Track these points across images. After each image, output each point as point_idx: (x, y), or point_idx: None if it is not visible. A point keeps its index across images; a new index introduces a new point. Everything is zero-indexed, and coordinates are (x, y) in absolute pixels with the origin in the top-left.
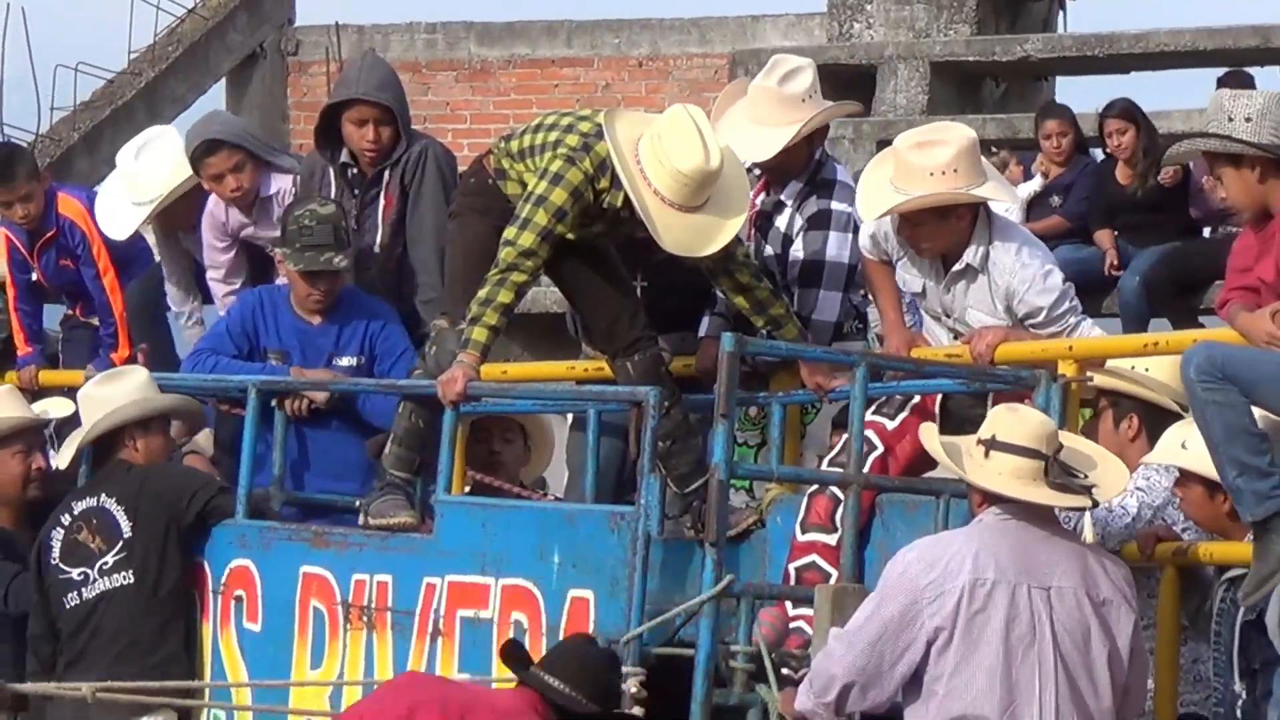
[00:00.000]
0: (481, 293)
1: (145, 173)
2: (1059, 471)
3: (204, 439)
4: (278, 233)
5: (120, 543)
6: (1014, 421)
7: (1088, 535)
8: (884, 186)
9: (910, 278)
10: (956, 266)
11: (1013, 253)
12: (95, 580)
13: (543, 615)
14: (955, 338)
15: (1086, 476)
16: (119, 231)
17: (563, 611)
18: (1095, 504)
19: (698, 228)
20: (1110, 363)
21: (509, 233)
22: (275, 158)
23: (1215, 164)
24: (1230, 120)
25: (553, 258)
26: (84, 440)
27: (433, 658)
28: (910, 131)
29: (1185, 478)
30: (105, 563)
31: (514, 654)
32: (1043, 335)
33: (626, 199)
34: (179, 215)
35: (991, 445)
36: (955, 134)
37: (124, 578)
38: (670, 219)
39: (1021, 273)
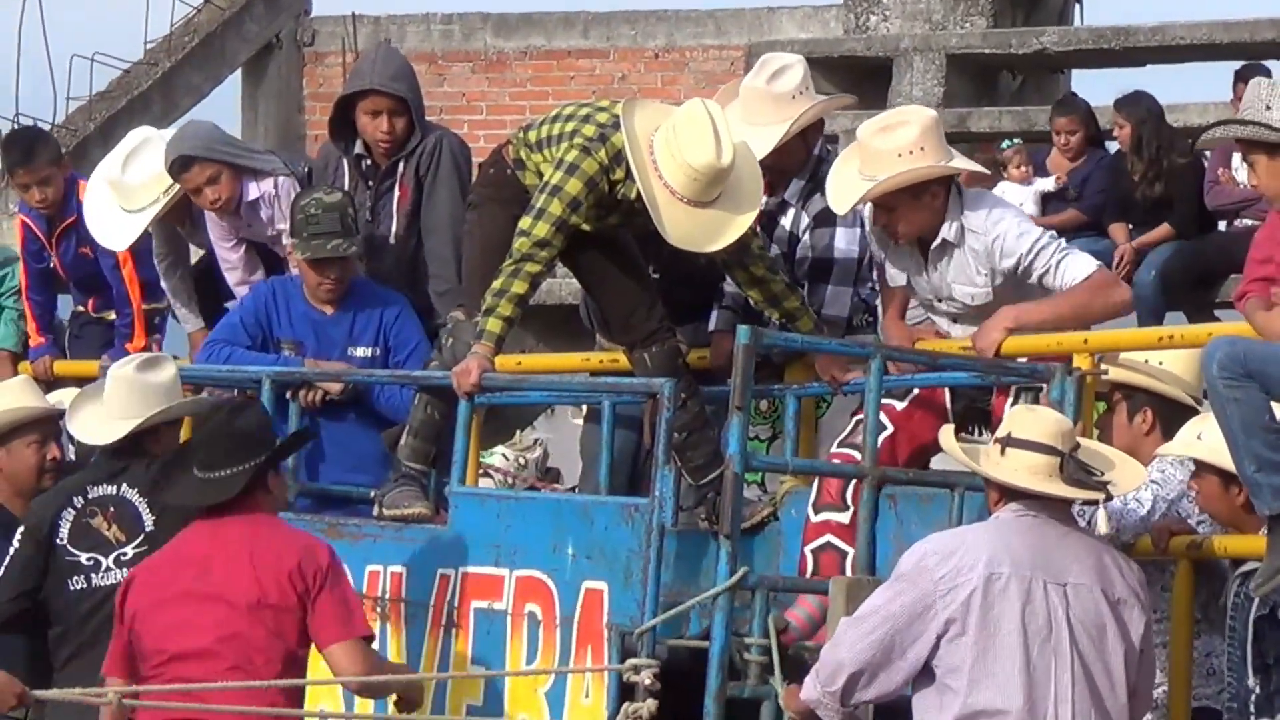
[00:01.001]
0: (496, 283)
1: (137, 179)
2: (1075, 468)
3: None
4: (271, 233)
5: (141, 535)
6: (1030, 420)
7: (1101, 528)
8: (853, 178)
9: (896, 272)
10: (934, 245)
11: (984, 215)
12: (110, 570)
13: (557, 607)
14: (955, 320)
15: (1103, 474)
16: (119, 241)
17: (576, 603)
18: (1110, 498)
19: (706, 223)
20: (1125, 356)
21: (524, 223)
22: (255, 162)
23: (1249, 151)
24: (1269, 109)
25: (570, 248)
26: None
27: (447, 649)
28: (870, 120)
29: (1201, 469)
30: (124, 554)
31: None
32: (1034, 278)
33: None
34: (175, 210)
35: (1007, 443)
36: (917, 114)
37: None
38: (678, 213)
39: (996, 228)
